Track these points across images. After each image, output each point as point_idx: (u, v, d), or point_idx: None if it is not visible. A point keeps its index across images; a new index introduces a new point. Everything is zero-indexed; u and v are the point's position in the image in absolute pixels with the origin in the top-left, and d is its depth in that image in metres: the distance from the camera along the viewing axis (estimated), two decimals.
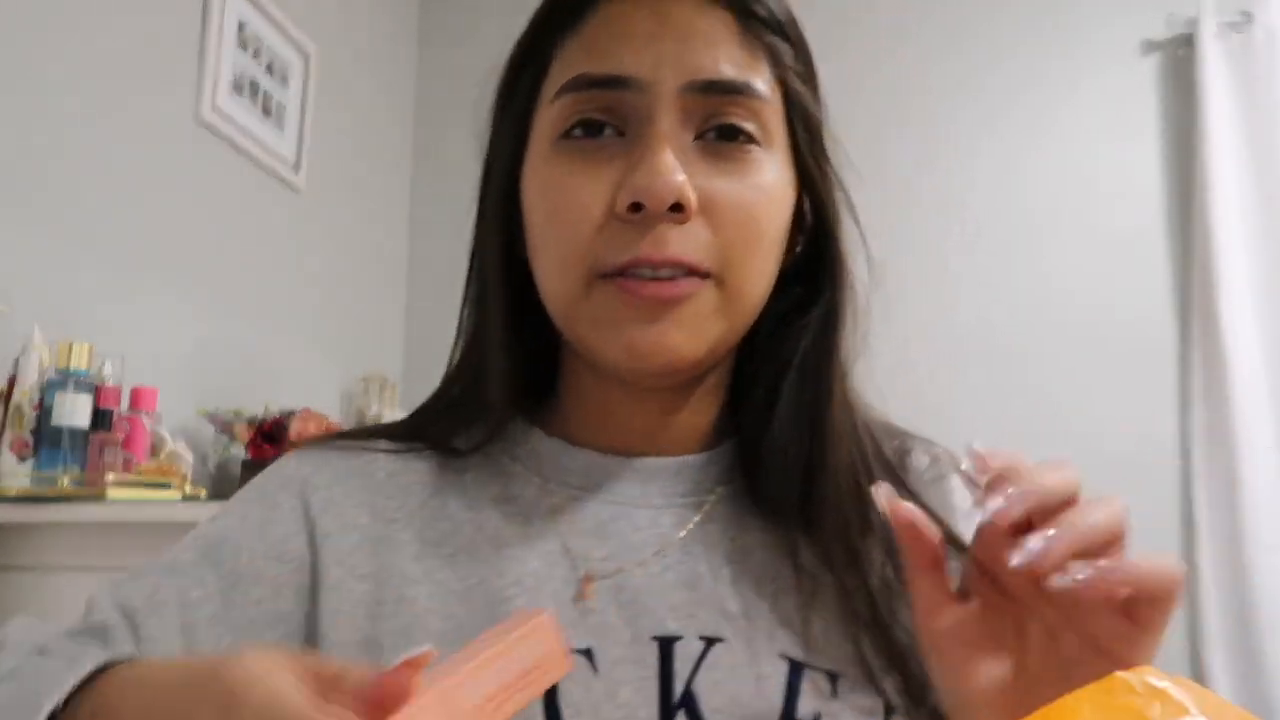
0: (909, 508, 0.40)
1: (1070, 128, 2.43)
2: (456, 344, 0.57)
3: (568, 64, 0.50)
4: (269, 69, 2.08)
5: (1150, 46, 2.41)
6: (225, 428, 1.78)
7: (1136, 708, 0.28)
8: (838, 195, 0.54)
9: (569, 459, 0.54)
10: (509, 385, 0.53)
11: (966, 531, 0.51)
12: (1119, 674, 0.30)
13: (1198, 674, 2.14)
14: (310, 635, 0.49)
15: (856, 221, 0.54)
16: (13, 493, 1.22)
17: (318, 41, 2.27)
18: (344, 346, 2.34)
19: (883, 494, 0.41)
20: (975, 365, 2.38)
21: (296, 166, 2.18)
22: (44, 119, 1.48)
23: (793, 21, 0.52)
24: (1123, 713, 0.28)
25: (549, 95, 0.50)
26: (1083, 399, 2.31)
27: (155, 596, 0.47)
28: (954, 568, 0.49)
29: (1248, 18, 2.29)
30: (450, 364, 0.57)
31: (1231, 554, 2.14)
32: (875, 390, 0.57)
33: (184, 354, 1.79)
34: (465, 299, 0.56)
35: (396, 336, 2.64)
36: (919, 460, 0.56)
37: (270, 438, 1.75)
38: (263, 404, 1.89)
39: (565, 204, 0.48)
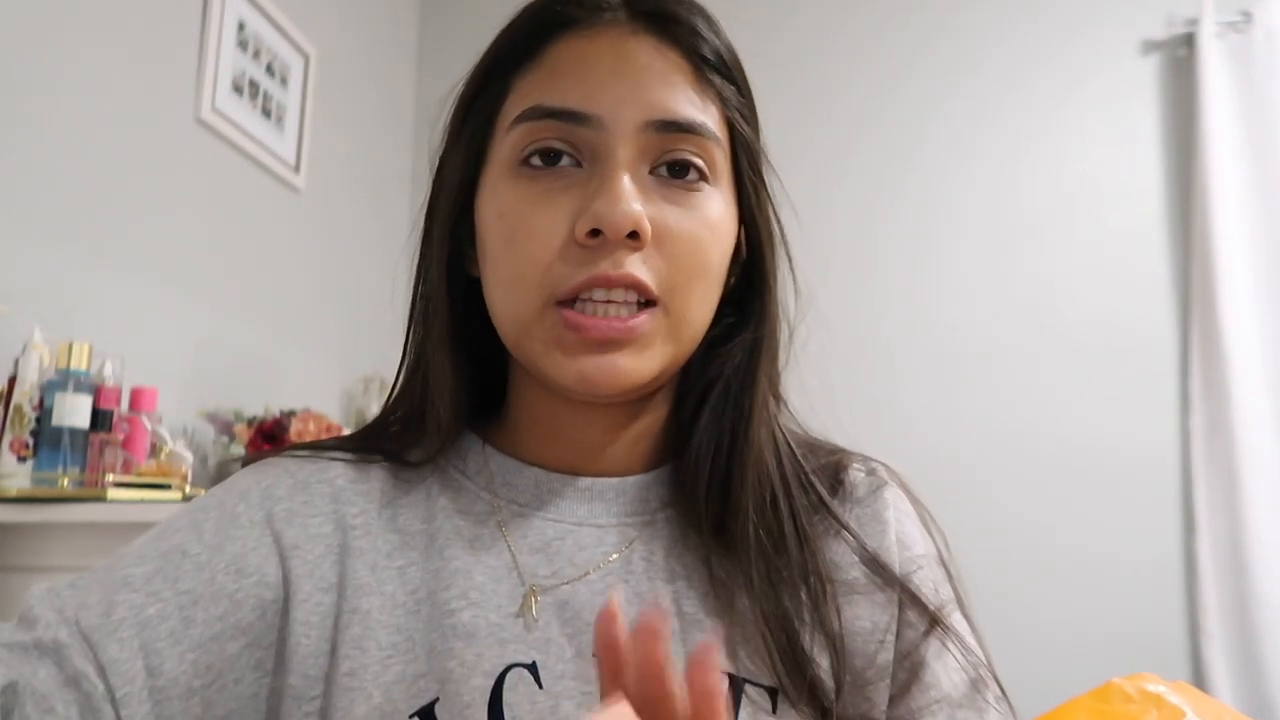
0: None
1: (1070, 128, 2.42)
2: (402, 362, 0.58)
3: (528, 94, 0.51)
4: (269, 69, 2.08)
5: (1150, 46, 2.40)
6: (225, 428, 1.78)
7: (1133, 714, 0.28)
8: (774, 231, 0.57)
9: (517, 476, 0.56)
10: (455, 402, 0.55)
11: (899, 548, 0.55)
12: (1115, 680, 0.30)
13: (1198, 674, 2.14)
14: (281, 646, 0.50)
15: (789, 255, 0.58)
16: (13, 493, 1.22)
17: (318, 42, 2.26)
18: (344, 346, 2.34)
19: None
20: (974, 368, 2.38)
21: (296, 167, 2.17)
22: (43, 119, 1.48)
23: (738, 64, 0.55)
24: None
25: (506, 122, 0.52)
26: (1083, 400, 2.31)
27: (112, 615, 0.47)
28: (884, 622, 0.52)
29: (1248, 18, 2.29)
30: (396, 381, 0.58)
31: (1231, 554, 2.14)
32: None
33: (184, 354, 1.79)
34: (410, 317, 0.58)
35: (397, 336, 2.63)
36: (854, 476, 0.58)
37: (270, 438, 1.75)
38: (263, 404, 1.89)
39: (526, 229, 0.50)
